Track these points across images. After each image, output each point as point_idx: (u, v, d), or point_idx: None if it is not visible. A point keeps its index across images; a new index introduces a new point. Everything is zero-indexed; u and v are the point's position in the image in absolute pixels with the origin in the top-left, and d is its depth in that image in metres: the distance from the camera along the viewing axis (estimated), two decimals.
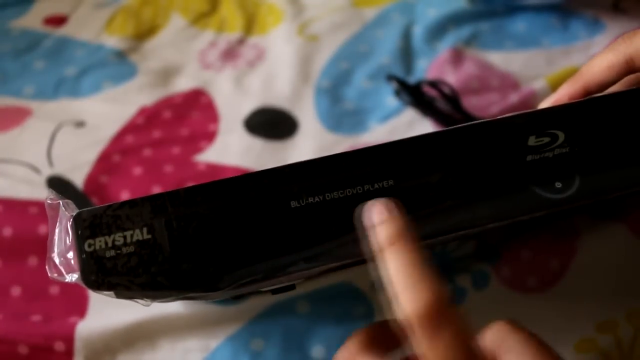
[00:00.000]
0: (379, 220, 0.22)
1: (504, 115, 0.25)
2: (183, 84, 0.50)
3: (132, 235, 0.22)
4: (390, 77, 0.47)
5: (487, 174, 0.24)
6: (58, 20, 0.56)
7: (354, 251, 0.23)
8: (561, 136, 0.25)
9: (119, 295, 0.22)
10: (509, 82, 0.49)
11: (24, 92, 0.49)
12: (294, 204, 0.23)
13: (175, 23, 0.56)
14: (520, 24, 0.53)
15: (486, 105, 0.46)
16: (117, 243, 0.22)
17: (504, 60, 0.50)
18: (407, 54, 0.52)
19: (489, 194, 0.24)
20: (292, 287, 0.27)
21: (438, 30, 0.53)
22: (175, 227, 0.22)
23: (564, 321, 0.36)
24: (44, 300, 0.37)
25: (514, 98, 0.46)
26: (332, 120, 0.47)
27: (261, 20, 0.56)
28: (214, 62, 0.52)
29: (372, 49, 0.52)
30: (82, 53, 0.53)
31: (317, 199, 0.23)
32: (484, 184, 0.24)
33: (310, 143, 0.45)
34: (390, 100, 0.48)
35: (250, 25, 0.56)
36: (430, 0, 0.55)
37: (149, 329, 0.35)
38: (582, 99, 0.26)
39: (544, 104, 0.28)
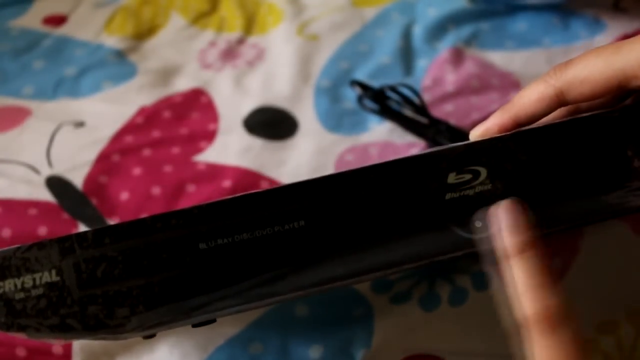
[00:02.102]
0: (508, 226, 0.23)
1: (424, 151, 0.25)
2: (183, 84, 0.50)
3: (41, 278, 0.22)
4: (353, 82, 0.46)
5: (404, 213, 0.24)
6: (57, 20, 0.56)
7: (265, 291, 0.23)
8: (483, 173, 0.24)
9: (30, 336, 0.22)
10: (509, 82, 0.48)
11: (23, 92, 0.49)
12: (202, 245, 0.23)
13: (175, 23, 0.56)
14: (520, 24, 0.53)
15: (487, 104, 0.46)
16: (26, 285, 0.22)
17: (505, 59, 0.50)
18: (407, 53, 0.51)
19: (405, 234, 0.24)
20: (212, 321, 0.27)
21: (438, 29, 0.53)
22: (83, 269, 0.22)
23: None
24: None
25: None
26: (332, 120, 0.47)
27: (261, 20, 0.56)
28: (213, 62, 0.52)
29: (372, 48, 0.52)
30: (82, 53, 0.53)
31: (225, 240, 0.23)
32: (400, 224, 0.24)
33: (309, 143, 0.45)
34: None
35: (250, 25, 0.56)
36: (431, 0, 0.55)
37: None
38: (506, 134, 0.25)
39: (475, 131, 0.27)
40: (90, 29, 0.55)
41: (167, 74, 0.51)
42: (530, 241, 0.23)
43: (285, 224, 0.23)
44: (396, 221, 0.24)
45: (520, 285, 0.22)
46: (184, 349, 0.35)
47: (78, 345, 0.35)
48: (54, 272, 0.22)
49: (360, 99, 0.46)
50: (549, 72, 0.26)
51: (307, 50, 0.52)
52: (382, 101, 0.44)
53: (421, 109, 0.44)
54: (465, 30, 0.52)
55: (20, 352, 0.35)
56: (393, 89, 0.44)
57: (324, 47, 0.52)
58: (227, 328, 0.36)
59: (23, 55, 0.52)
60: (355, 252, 0.23)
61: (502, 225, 0.23)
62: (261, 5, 0.57)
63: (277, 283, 0.23)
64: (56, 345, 0.35)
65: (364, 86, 0.45)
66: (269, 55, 0.52)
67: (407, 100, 0.44)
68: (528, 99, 0.26)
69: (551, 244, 0.37)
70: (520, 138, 0.25)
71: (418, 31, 0.53)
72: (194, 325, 0.26)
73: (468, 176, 0.24)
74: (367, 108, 0.45)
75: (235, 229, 0.23)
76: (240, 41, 0.54)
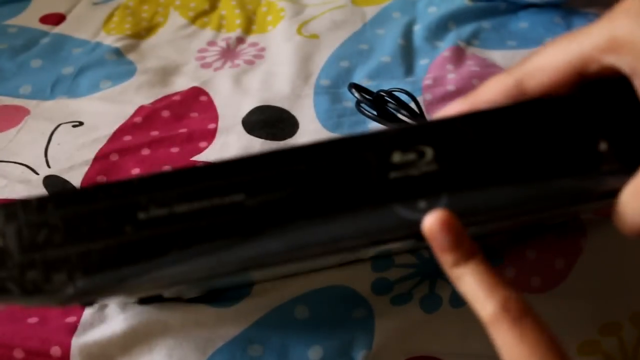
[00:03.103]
0: (451, 244, 0.23)
1: (370, 131, 0.24)
2: (182, 83, 0.50)
3: None
4: (351, 86, 0.46)
5: (345, 191, 0.23)
6: (55, 19, 0.56)
7: (198, 266, 0.23)
8: (429, 152, 0.24)
9: None
10: None
11: (20, 91, 0.49)
12: (141, 215, 0.23)
13: (174, 22, 0.56)
14: (522, 22, 0.53)
15: None
16: None
17: (506, 58, 0.50)
18: (408, 52, 0.51)
19: (345, 212, 0.23)
20: (160, 298, 0.27)
21: (439, 28, 0.52)
22: (25, 234, 0.23)
23: (567, 322, 0.36)
24: None
25: None
26: (332, 119, 0.46)
27: (260, 19, 0.56)
28: (213, 61, 0.52)
29: (372, 47, 0.52)
30: (80, 52, 0.52)
31: (164, 211, 0.23)
32: (340, 202, 0.23)
33: None
34: None
35: (249, 23, 0.55)
36: None
37: (146, 334, 0.35)
38: (457, 114, 0.24)
39: (434, 118, 0.27)
40: (88, 27, 0.55)
41: (166, 73, 0.51)
42: (470, 250, 0.23)
43: (225, 198, 0.23)
44: (337, 197, 0.23)
45: (474, 291, 0.23)
46: (183, 351, 0.35)
47: (77, 349, 0.35)
48: None
49: (358, 104, 0.45)
50: (514, 65, 0.26)
51: (307, 49, 0.52)
52: (380, 106, 0.44)
53: (418, 114, 0.43)
54: (467, 29, 0.52)
55: (18, 354, 0.34)
56: (390, 94, 0.44)
57: (324, 46, 0.52)
58: (226, 330, 0.35)
59: (21, 54, 0.52)
60: (293, 229, 0.23)
61: (445, 242, 0.23)
62: (261, 4, 0.57)
63: (213, 257, 0.23)
64: (55, 348, 0.35)
65: (362, 90, 0.45)
66: (268, 54, 0.52)
67: (404, 106, 0.44)
68: (488, 89, 0.26)
69: (554, 245, 0.37)
70: (472, 119, 0.24)
71: (419, 30, 0.53)
72: (142, 302, 0.26)
73: (413, 155, 0.24)
74: (365, 114, 0.45)
75: (174, 200, 0.23)
76: (240, 40, 0.54)
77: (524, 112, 0.24)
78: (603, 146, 0.24)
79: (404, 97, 0.44)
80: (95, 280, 0.23)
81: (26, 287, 0.23)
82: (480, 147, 0.24)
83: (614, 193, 0.23)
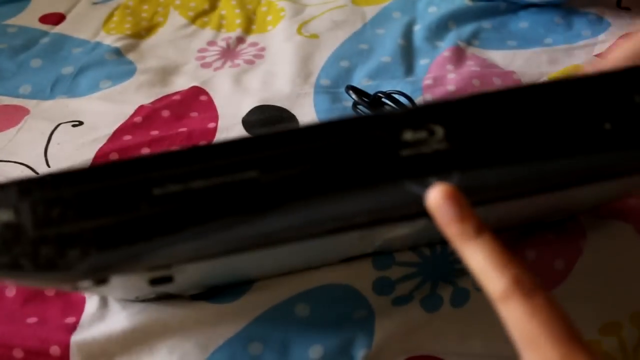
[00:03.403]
0: (458, 216, 0.23)
1: (380, 111, 0.25)
2: (182, 83, 0.50)
3: None
4: (348, 88, 0.46)
5: (357, 168, 0.24)
6: (55, 19, 0.55)
7: (215, 242, 0.23)
8: (439, 131, 0.24)
9: None
10: (510, 81, 0.48)
11: (20, 91, 0.49)
12: (156, 190, 0.23)
13: (174, 21, 0.55)
14: (522, 22, 0.52)
15: None
16: None
17: (506, 58, 0.50)
18: (408, 52, 0.51)
19: (358, 188, 0.24)
20: (169, 279, 0.27)
21: (439, 28, 0.52)
22: (39, 210, 0.23)
23: None
24: (40, 302, 0.37)
25: None
26: None
27: (260, 19, 0.56)
28: (213, 61, 0.52)
29: (372, 47, 0.52)
30: (80, 52, 0.52)
31: (179, 187, 0.23)
32: (353, 179, 0.24)
33: None
34: None
35: (249, 23, 0.55)
36: None
37: (146, 332, 0.35)
38: (468, 94, 0.25)
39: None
40: (88, 27, 0.55)
41: (166, 72, 0.51)
42: (480, 224, 0.23)
43: (240, 174, 0.23)
44: (349, 175, 0.24)
45: (483, 267, 0.22)
46: (183, 349, 0.35)
47: (76, 348, 0.34)
48: (11, 211, 0.23)
49: (354, 106, 0.45)
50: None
51: (307, 49, 0.52)
52: (377, 108, 0.44)
53: None
54: (467, 29, 0.52)
55: (18, 353, 0.34)
56: (389, 95, 0.44)
57: (324, 45, 0.52)
58: (226, 327, 0.35)
59: (20, 54, 0.52)
60: (307, 205, 0.23)
61: (452, 215, 0.23)
62: (261, 4, 0.57)
63: (227, 234, 0.23)
64: (54, 347, 0.34)
65: (359, 92, 0.45)
66: (268, 53, 0.52)
67: (399, 106, 0.44)
68: (614, 55, 0.26)
69: (553, 246, 0.37)
70: (481, 99, 0.24)
71: (419, 30, 0.53)
72: (152, 282, 0.26)
73: (424, 134, 0.24)
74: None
75: (189, 176, 0.23)
76: (240, 40, 0.54)
77: (534, 92, 0.25)
78: (608, 126, 0.24)
79: (402, 100, 0.44)
80: (109, 256, 0.23)
81: (40, 263, 0.22)
82: (490, 126, 0.24)
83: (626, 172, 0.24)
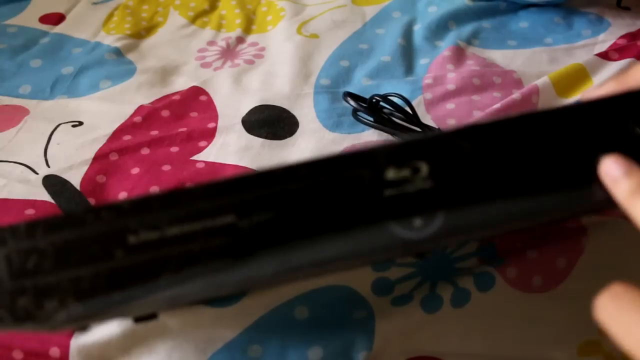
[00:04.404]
0: (624, 171, 0.22)
1: (364, 147, 0.24)
2: (182, 83, 0.50)
3: None
4: (345, 95, 0.46)
5: (339, 210, 0.23)
6: (55, 19, 0.55)
7: (196, 285, 0.23)
8: (424, 169, 0.23)
9: None
10: (511, 80, 0.48)
11: (20, 91, 0.49)
12: (131, 239, 0.23)
13: (174, 21, 0.55)
14: (522, 22, 0.52)
15: (488, 103, 0.46)
16: None
17: (506, 58, 0.50)
18: (408, 52, 0.51)
19: (340, 231, 0.23)
20: (154, 316, 0.26)
21: (439, 28, 0.52)
22: (14, 260, 0.23)
23: (568, 322, 0.36)
24: None
25: (516, 95, 0.46)
26: (332, 118, 0.46)
27: (260, 19, 0.56)
28: (213, 61, 0.52)
29: (372, 47, 0.52)
30: (80, 52, 0.52)
31: (155, 235, 0.23)
32: (334, 221, 0.23)
33: (309, 142, 0.45)
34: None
35: (249, 23, 0.55)
36: None
37: (145, 336, 0.35)
38: (451, 128, 0.24)
39: (586, 95, 0.27)
40: (88, 27, 0.55)
41: (166, 72, 0.51)
42: None
43: (216, 219, 0.23)
44: (331, 217, 0.23)
45: None
46: (182, 352, 0.35)
47: (76, 349, 0.34)
48: None
49: (355, 113, 0.45)
50: None
51: (307, 49, 0.52)
52: (376, 112, 0.44)
53: (412, 117, 0.43)
54: (467, 29, 0.52)
55: (17, 355, 0.34)
56: (385, 98, 0.44)
57: (324, 45, 0.52)
58: (225, 330, 0.35)
59: (20, 54, 0.52)
60: (287, 250, 0.23)
61: (617, 171, 0.22)
62: (261, 4, 0.57)
63: (206, 280, 0.23)
64: (53, 349, 0.34)
65: (356, 97, 0.45)
66: (268, 54, 0.52)
67: (399, 110, 0.43)
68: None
69: (555, 244, 0.37)
70: (468, 133, 0.23)
71: (419, 29, 0.53)
72: (136, 320, 0.26)
73: (408, 172, 0.23)
74: (363, 122, 0.45)
75: (164, 223, 0.23)
76: (240, 40, 0.54)
77: (521, 125, 0.24)
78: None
79: (399, 102, 0.44)
80: (87, 306, 0.22)
81: (17, 314, 0.22)
82: (476, 162, 0.23)
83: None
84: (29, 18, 0.55)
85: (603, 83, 0.27)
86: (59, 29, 0.54)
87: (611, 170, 0.23)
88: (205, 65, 0.51)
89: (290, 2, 0.56)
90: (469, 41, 0.51)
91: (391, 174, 0.23)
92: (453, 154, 0.23)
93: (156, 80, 0.50)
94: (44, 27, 0.54)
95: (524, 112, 0.24)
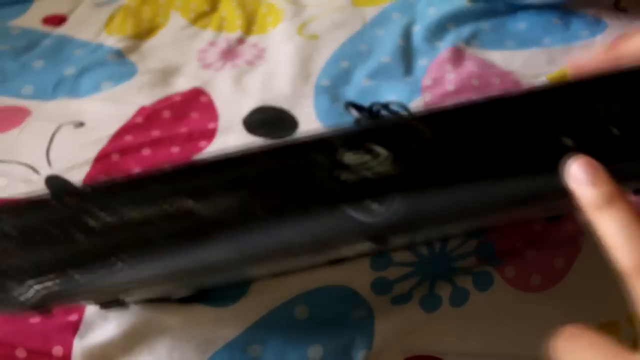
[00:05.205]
0: (590, 180, 0.22)
1: (323, 131, 0.23)
2: (182, 84, 0.50)
3: None
4: (347, 105, 0.46)
5: (296, 193, 0.23)
6: (57, 20, 0.56)
7: (157, 269, 0.23)
8: (383, 153, 0.23)
9: None
10: (509, 81, 0.48)
11: (22, 91, 0.49)
12: (91, 222, 0.23)
13: (175, 22, 0.56)
14: (521, 23, 0.53)
15: None
16: None
17: (505, 59, 0.50)
18: (407, 53, 0.51)
19: (296, 214, 0.22)
20: (122, 303, 0.27)
21: (438, 29, 0.53)
22: None
23: (565, 321, 0.36)
24: None
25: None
26: (332, 119, 0.47)
27: (261, 20, 0.56)
28: (213, 62, 0.52)
29: (372, 48, 0.52)
30: (81, 53, 0.52)
31: (114, 219, 0.23)
32: (291, 204, 0.23)
33: None
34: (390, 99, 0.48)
35: (249, 24, 0.56)
36: None
37: (146, 335, 0.35)
38: (414, 113, 0.24)
39: (572, 61, 0.26)
40: (90, 28, 0.55)
41: (167, 73, 0.51)
42: (614, 191, 0.22)
43: (174, 204, 0.23)
44: (288, 201, 0.23)
45: (614, 238, 0.21)
46: (183, 352, 0.35)
47: (79, 349, 0.35)
48: None
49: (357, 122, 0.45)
50: None
51: (307, 50, 0.52)
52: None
53: None
54: (466, 30, 0.52)
55: (20, 353, 0.35)
56: (386, 107, 0.44)
57: (324, 46, 0.52)
58: (226, 330, 0.36)
59: (23, 55, 0.52)
60: (244, 235, 0.23)
61: (583, 179, 0.22)
62: (261, 5, 0.57)
63: (164, 264, 0.23)
64: (57, 347, 0.35)
65: (358, 107, 0.45)
66: (268, 54, 0.52)
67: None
68: (632, 42, 0.25)
69: (553, 244, 0.37)
70: (428, 118, 0.23)
71: (418, 31, 0.53)
72: (102, 306, 0.26)
73: (367, 156, 0.23)
74: None
75: (124, 207, 0.23)
76: (240, 41, 0.54)
77: (486, 109, 0.23)
78: (567, 142, 0.23)
79: (399, 109, 0.44)
80: (48, 288, 0.23)
81: None
82: (437, 147, 0.23)
83: None
84: (31, 19, 0.55)
85: (592, 52, 0.26)
86: (61, 30, 0.55)
87: (578, 175, 0.22)
88: (205, 66, 0.51)
89: (290, 3, 0.56)
90: (468, 42, 0.51)
91: (350, 158, 0.23)
92: (413, 138, 0.23)
93: (157, 81, 0.50)
94: (47, 29, 0.55)
95: (490, 96, 0.23)
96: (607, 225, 0.22)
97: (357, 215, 0.22)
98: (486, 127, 0.23)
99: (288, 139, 0.23)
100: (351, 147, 0.23)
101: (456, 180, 0.23)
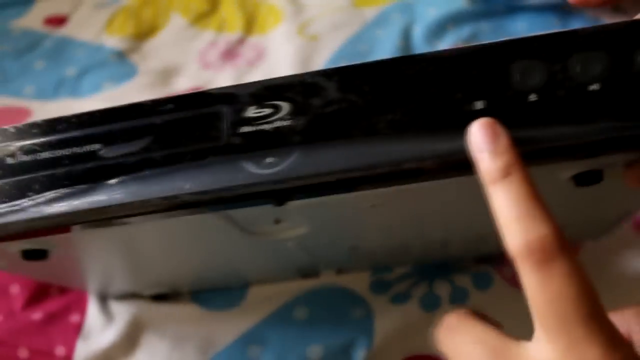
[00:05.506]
0: (488, 146, 0.20)
1: (229, 86, 0.24)
2: (183, 84, 0.50)
3: None
4: None
5: (196, 144, 0.23)
6: (58, 21, 0.56)
7: (58, 207, 0.24)
8: (285, 107, 0.23)
9: None
10: None
11: (24, 92, 0.49)
12: (9, 160, 0.24)
13: (175, 23, 0.56)
14: (520, 24, 0.53)
15: None
16: None
17: None
18: (407, 53, 0.52)
19: (192, 164, 0.23)
20: (43, 254, 0.27)
21: (438, 29, 0.53)
22: None
23: None
24: (44, 300, 0.37)
25: None
26: None
27: (261, 20, 0.56)
28: (213, 62, 0.52)
29: (372, 48, 0.52)
30: (83, 53, 0.53)
31: (29, 157, 0.24)
32: (188, 154, 0.23)
33: None
34: None
35: (250, 25, 0.56)
36: (430, 0, 0.55)
37: (148, 337, 0.35)
38: (320, 70, 0.23)
39: None
40: (91, 29, 0.55)
41: (168, 74, 0.51)
42: (512, 163, 0.20)
43: (83, 147, 0.24)
44: (188, 150, 0.23)
45: (506, 214, 0.19)
46: (183, 353, 0.35)
47: (81, 349, 0.35)
48: None
49: None
50: None
51: (307, 50, 0.52)
52: None
53: None
54: (465, 30, 0.52)
55: (23, 353, 0.35)
56: None
57: (324, 47, 0.52)
58: (226, 332, 0.36)
59: (24, 56, 0.52)
60: (138, 182, 0.23)
61: (479, 147, 0.20)
62: (261, 6, 0.57)
63: (69, 204, 0.24)
64: (59, 347, 0.35)
65: None
66: (269, 55, 0.52)
67: None
68: None
69: None
70: (337, 74, 0.23)
71: (418, 31, 0.53)
72: (25, 256, 0.27)
73: (268, 110, 0.23)
74: None
75: (38, 148, 0.24)
76: (241, 41, 0.54)
77: (394, 67, 0.23)
78: (479, 105, 0.22)
79: None
80: None
81: None
82: (338, 103, 0.22)
83: None
84: (32, 20, 0.55)
85: None
86: (62, 30, 0.55)
87: (476, 139, 0.20)
88: (206, 66, 0.52)
89: (290, 4, 0.57)
90: (468, 42, 0.51)
91: (251, 111, 0.23)
92: (316, 94, 0.23)
93: (158, 81, 0.50)
94: (48, 29, 0.55)
95: (401, 56, 0.23)
96: (501, 199, 0.19)
97: (252, 168, 0.22)
98: (393, 86, 0.22)
99: (198, 90, 0.24)
100: (256, 101, 0.23)
101: (356, 138, 0.22)
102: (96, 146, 0.24)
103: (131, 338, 0.35)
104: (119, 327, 0.36)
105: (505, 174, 0.20)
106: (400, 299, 0.37)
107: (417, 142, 0.22)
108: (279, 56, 0.52)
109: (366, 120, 0.22)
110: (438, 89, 0.22)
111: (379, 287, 0.37)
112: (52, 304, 0.37)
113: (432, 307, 0.36)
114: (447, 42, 0.52)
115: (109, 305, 0.37)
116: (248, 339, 0.36)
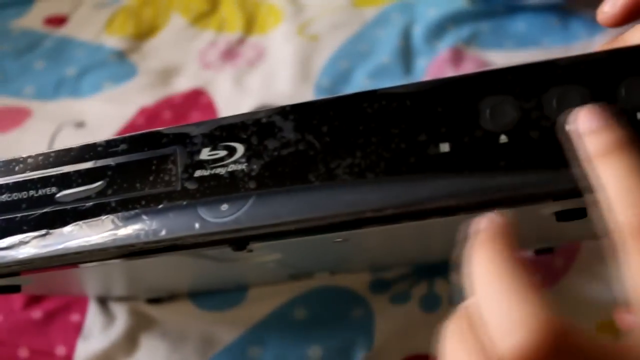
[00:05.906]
0: (593, 127, 0.19)
1: (188, 125, 0.23)
2: (183, 84, 0.50)
3: None
4: None
5: (151, 188, 0.22)
6: (58, 21, 0.56)
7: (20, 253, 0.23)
8: (240, 149, 0.21)
9: None
10: None
11: (24, 92, 0.49)
12: None
13: (175, 23, 0.56)
14: (520, 24, 0.53)
15: None
16: None
17: (504, 59, 0.50)
18: (406, 53, 0.52)
19: (147, 210, 0.22)
20: (16, 289, 0.27)
21: (438, 29, 0.53)
22: None
23: None
24: (44, 300, 0.37)
25: None
26: None
27: (261, 20, 0.56)
28: (214, 62, 0.52)
29: (372, 48, 0.52)
30: (82, 53, 0.53)
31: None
32: (142, 199, 0.22)
33: None
34: None
35: (250, 25, 0.56)
36: (430, 0, 0.55)
37: (148, 337, 0.35)
38: (275, 108, 0.22)
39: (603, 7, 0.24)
40: (91, 29, 0.55)
41: (168, 74, 0.51)
42: (619, 139, 0.19)
43: (40, 190, 0.24)
44: (143, 195, 0.22)
45: (612, 190, 0.18)
46: (183, 354, 0.35)
47: (81, 349, 0.35)
48: None
49: None
50: None
51: (307, 50, 0.52)
52: None
53: None
54: (465, 30, 0.52)
55: (23, 352, 0.35)
56: None
57: (324, 47, 0.52)
58: (226, 333, 0.36)
59: (24, 56, 0.52)
60: (95, 226, 0.23)
61: (585, 126, 0.19)
62: (261, 6, 0.57)
63: (27, 250, 0.23)
64: (60, 347, 0.35)
65: None
66: (269, 55, 0.52)
67: None
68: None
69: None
70: (294, 112, 0.21)
71: (418, 31, 0.53)
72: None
73: (223, 152, 0.22)
74: None
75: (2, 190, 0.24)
76: (241, 41, 0.54)
77: (353, 103, 0.21)
78: (444, 148, 0.20)
79: None
80: None
81: None
82: (294, 145, 0.21)
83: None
84: (32, 20, 0.55)
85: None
86: (62, 31, 0.55)
87: (584, 122, 0.19)
88: (206, 66, 0.52)
89: (290, 4, 0.57)
90: (468, 43, 0.51)
91: (205, 154, 0.22)
92: (272, 135, 0.21)
93: (158, 81, 0.50)
94: (48, 29, 0.55)
95: (359, 91, 0.21)
96: (610, 174, 0.19)
97: (207, 216, 0.21)
98: (353, 126, 0.21)
99: (153, 130, 0.23)
100: (210, 142, 0.22)
101: (313, 183, 0.21)
102: (52, 189, 0.24)
103: (131, 338, 0.36)
104: (119, 327, 0.36)
105: (617, 147, 0.19)
106: (400, 299, 0.37)
107: (377, 188, 0.20)
108: (279, 56, 0.52)
109: (324, 164, 0.21)
110: (400, 129, 0.20)
111: (378, 287, 0.37)
112: (52, 304, 0.37)
113: (432, 307, 0.36)
114: (447, 42, 0.52)
115: (109, 305, 0.37)
116: (248, 340, 0.36)
